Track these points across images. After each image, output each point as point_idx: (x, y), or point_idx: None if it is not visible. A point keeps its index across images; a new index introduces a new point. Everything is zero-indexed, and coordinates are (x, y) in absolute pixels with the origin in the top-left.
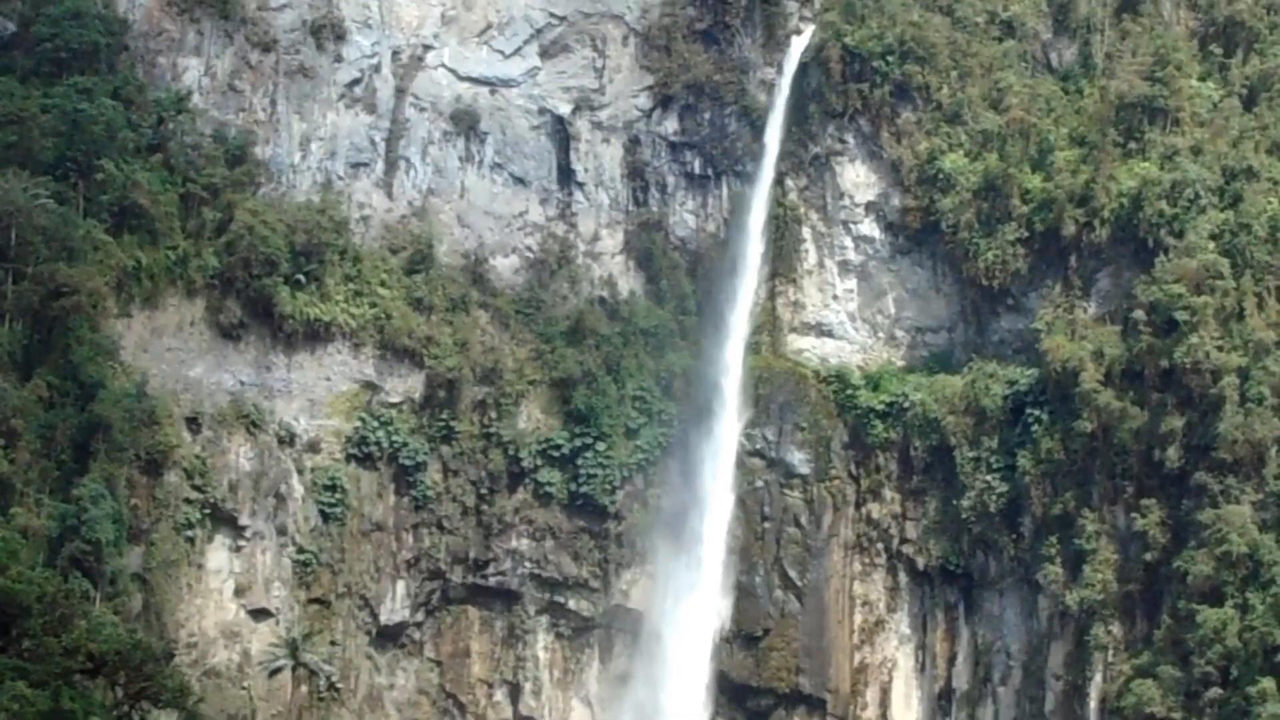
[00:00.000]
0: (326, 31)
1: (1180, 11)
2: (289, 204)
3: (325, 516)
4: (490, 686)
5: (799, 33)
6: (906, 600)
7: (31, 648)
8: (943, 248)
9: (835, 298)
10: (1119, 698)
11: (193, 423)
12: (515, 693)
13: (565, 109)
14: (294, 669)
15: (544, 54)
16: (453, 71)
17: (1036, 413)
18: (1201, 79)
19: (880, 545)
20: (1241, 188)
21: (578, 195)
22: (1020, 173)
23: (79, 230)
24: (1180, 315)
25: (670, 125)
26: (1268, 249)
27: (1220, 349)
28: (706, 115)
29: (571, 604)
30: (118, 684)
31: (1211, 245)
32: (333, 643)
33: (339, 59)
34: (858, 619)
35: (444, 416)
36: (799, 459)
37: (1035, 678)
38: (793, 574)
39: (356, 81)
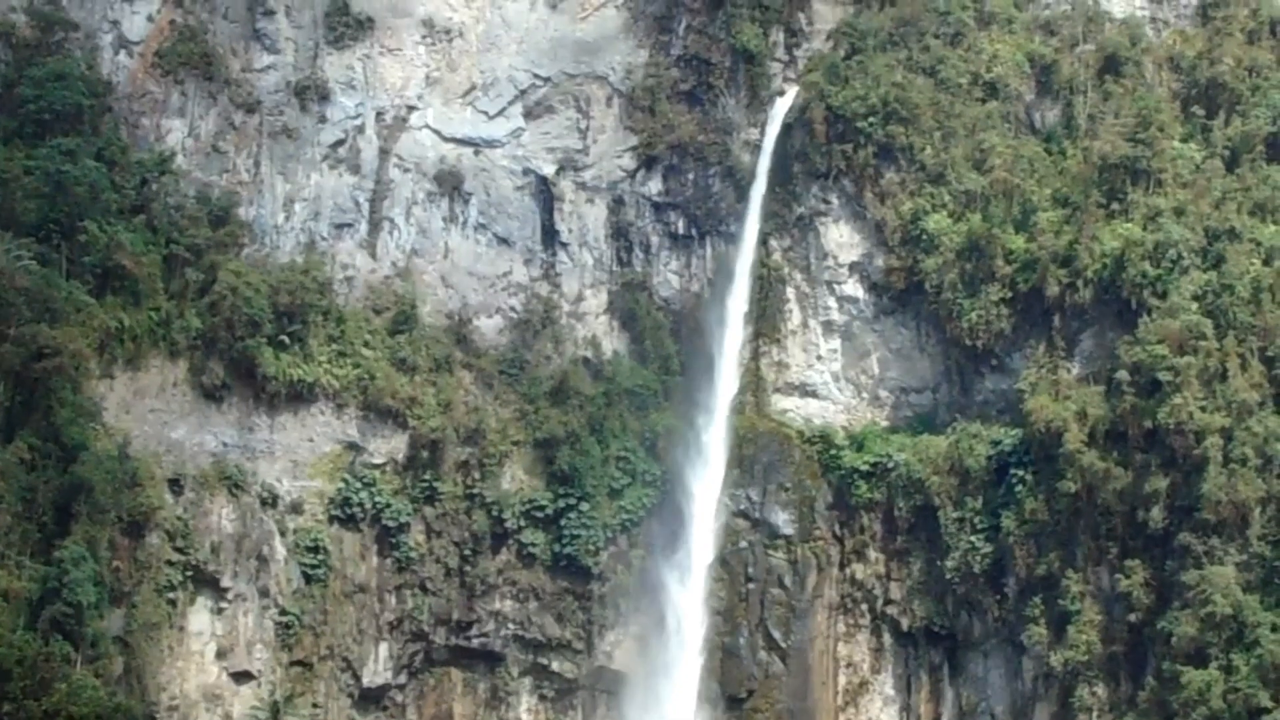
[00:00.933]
0: (310, 93)
1: (1162, 73)
2: (272, 265)
3: (308, 578)
4: None
5: (782, 94)
6: (891, 661)
7: (12, 711)
8: (927, 308)
9: (819, 358)
10: None
11: (175, 484)
12: None
13: (549, 169)
14: None
15: (528, 115)
16: (437, 132)
17: (1020, 473)
18: (1184, 140)
19: (864, 606)
20: (1224, 249)
21: (562, 255)
22: (1004, 233)
23: (62, 292)
24: (1164, 376)
25: (654, 186)
26: (1250, 310)
27: (1204, 410)
28: (690, 176)
29: (555, 665)
30: None
31: (1194, 306)
32: (315, 705)
33: (323, 120)
34: (842, 680)
35: (427, 477)
36: (783, 519)
37: None
38: (777, 635)
39: (340, 142)
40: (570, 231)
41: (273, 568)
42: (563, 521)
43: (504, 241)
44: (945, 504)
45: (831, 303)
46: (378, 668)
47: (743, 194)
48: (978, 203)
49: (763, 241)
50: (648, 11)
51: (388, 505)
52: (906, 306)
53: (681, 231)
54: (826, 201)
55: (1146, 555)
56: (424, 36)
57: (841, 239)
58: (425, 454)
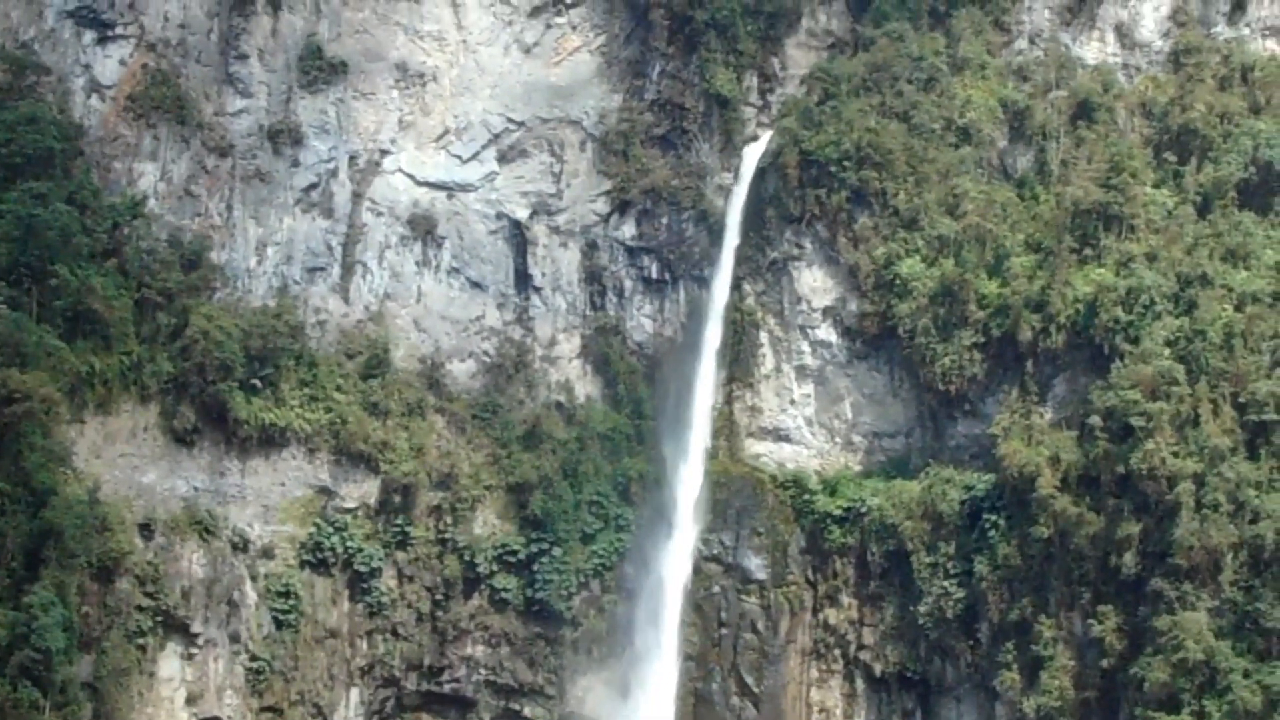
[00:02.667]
0: (284, 137)
1: (1135, 119)
2: (244, 309)
3: (279, 623)
4: None
5: (756, 139)
6: (864, 707)
7: None
8: (900, 353)
9: (792, 402)
10: None
11: (145, 529)
12: None
13: (523, 214)
14: None
15: (502, 159)
16: (410, 176)
17: (993, 518)
18: (1156, 186)
19: (837, 651)
20: (1196, 294)
21: (535, 300)
22: (977, 278)
23: (32, 336)
24: (1136, 421)
25: (628, 230)
26: (1222, 355)
27: (1176, 455)
28: (664, 220)
29: (527, 711)
30: None
31: (1167, 351)
32: None
33: (296, 164)
34: None
35: (399, 522)
36: (756, 564)
37: None
38: (749, 680)
39: (313, 186)
40: (543, 275)
41: (243, 613)
42: (535, 566)
43: (477, 285)
44: (918, 549)
45: (805, 347)
46: (349, 713)
47: (716, 238)
48: (951, 248)
49: (736, 286)
50: (621, 56)
51: (359, 550)
52: (880, 351)
53: (655, 275)
54: (800, 246)
55: (1119, 601)
56: (397, 81)
57: (815, 283)
58: (397, 498)
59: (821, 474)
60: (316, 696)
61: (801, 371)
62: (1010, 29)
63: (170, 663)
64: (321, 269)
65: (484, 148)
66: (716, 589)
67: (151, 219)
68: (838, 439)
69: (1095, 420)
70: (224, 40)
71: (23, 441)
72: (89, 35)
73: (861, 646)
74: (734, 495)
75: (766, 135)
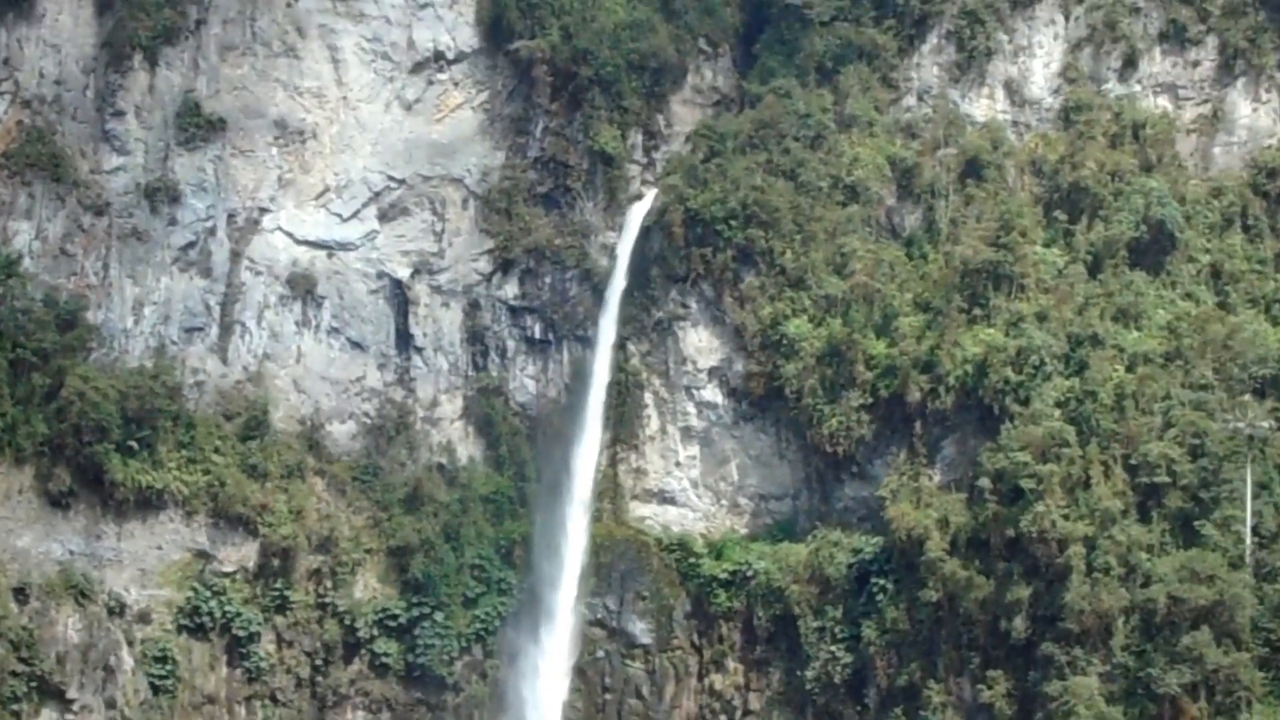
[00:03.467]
0: (161, 194)
1: (1025, 178)
2: (121, 369)
3: (155, 689)
4: None
5: (640, 197)
6: None
7: None
8: (787, 414)
9: (678, 464)
10: None
11: (20, 593)
12: None
13: (404, 273)
14: None
15: (382, 217)
16: (289, 235)
17: (882, 582)
18: (1046, 245)
19: (723, 717)
20: (1087, 354)
21: (416, 360)
22: (864, 338)
23: None
24: (1026, 483)
25: (510, 289)
26: (1113, 417)
27: (1066, 518)
28: (547, 279)
29: None
30: None
31: (1057, 413)
32: None
33: (173, 222)
34: None
35: (278, 586)
36: (640, 629)
37: None
38: None
39: (191, 245)
40: (425, 335)
41: (120, 678)
42: (416, 631)
43: (358, 346)
44: (805, 613)
45: (690, 408)
46: None
47: (600, 298)
48: (838, 307)
49: (620, 346)
50: (504, 113)
51: (238, 614)
52: (766, 412)
53: (538, 336)
54: (685, 305)
55: (1009, 665)
56: (276, 138)
57: (700, 343)
58: (276, 562)
59: (707, 537)
60: None
61: (687, 433)
62: (899, 86)
63: None
64: (199, 329)
65: (364, 206)
66: (601, 654)
67: (26, 278)
68: (724, 501)
69: (985, 482)
70: (100, 97)
71: None
72: None
73: (748, 712)
74: (618, 558)
75: (651, 193)
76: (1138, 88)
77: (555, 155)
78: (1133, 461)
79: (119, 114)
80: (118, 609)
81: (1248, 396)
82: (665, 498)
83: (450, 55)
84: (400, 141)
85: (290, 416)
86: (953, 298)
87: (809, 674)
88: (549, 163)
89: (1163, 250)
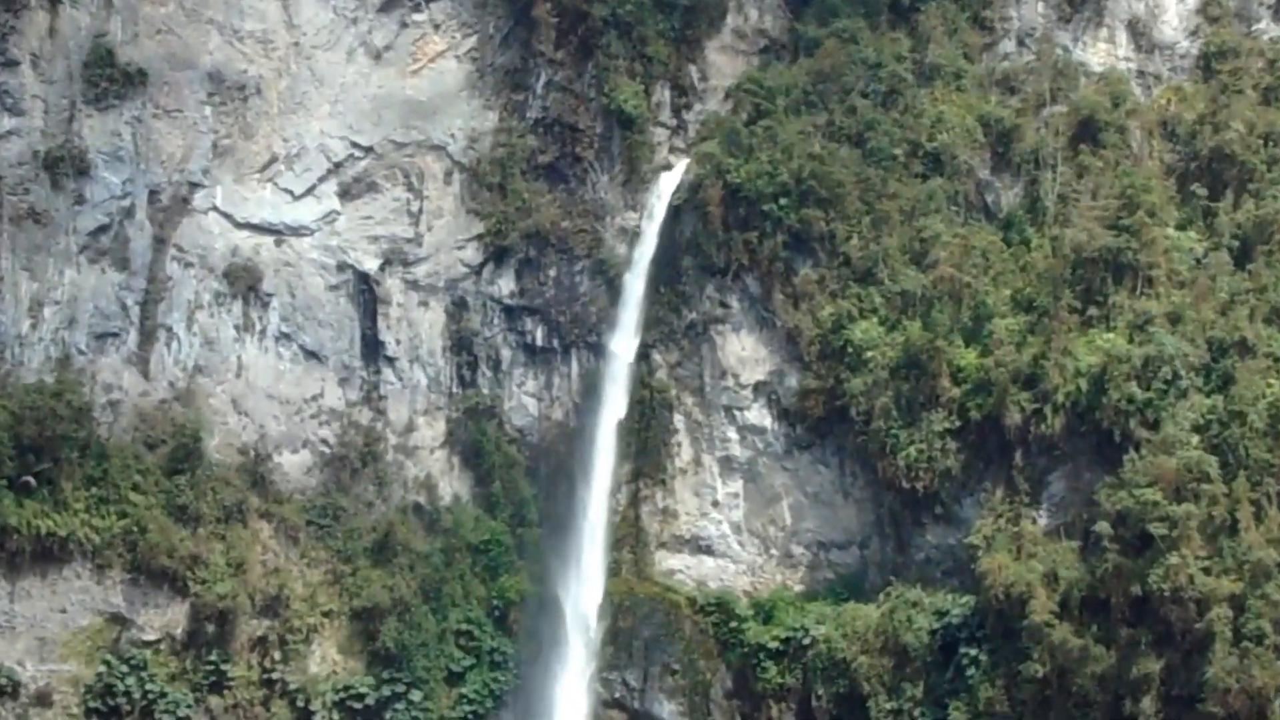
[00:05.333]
0: (65, 165)
1: (1154, 142)
2: (15, 386)
3: None
4: None
5: (669, 168)
6: None
7: None
8: (852, 441)
9: (715, 504)
10: None
11: None
12: None
13: (372, 264)
14: None
15: (344, 194)
16: (227, 216)
17: (973, 652)
18: (1181, 227)
19: None
20: (1233, 365)
21: (387, 374)
22: (950, 346)
23: None
24: (1156, 529)
25: (505, 285)
26: (1267, 444)
27: (1207, 572)
28: (552, 272)
29: None
30: None
31: (1195, 439)
32: None
33: (81, 201)
34: None
35: (213, 658)
36: (669, 710)
37: None
38: None
39: (103, 229)
40: (398, 343)
41: None
42: (388, 714)
43: (314, 356)
44: (877, 691)
45: (731, 434)
46: None
47: (618, 296)
48: (917, 307)
49: (643, 356)
50: (497, 64)
51: (162, 694)
52: (827, 439)
53: (540, 343)
54: (725, 305)
55: None
56: (211, 94)
57: (744, 353)
58: (211, 628)
59: (753, 595)
60: None
61: (727, 465)
62: (994, 27)
63: None
64: (114, 335)
65: (322, 180)
66: None
67: None
68: (773, 551)
69: (1103, 527)
70: None
71: None
72: None
73: None
74: (641, 623)
75: (682, 164)
76: None
77: (561, 116)
78: None
79: (11, 64)
80: (9, 689)
81: None
82: (700, 546)
83: None
84: (366, 99)
85: (229, 445)
86: (1062, 294)
87: None
88: (553, 126)
89: None
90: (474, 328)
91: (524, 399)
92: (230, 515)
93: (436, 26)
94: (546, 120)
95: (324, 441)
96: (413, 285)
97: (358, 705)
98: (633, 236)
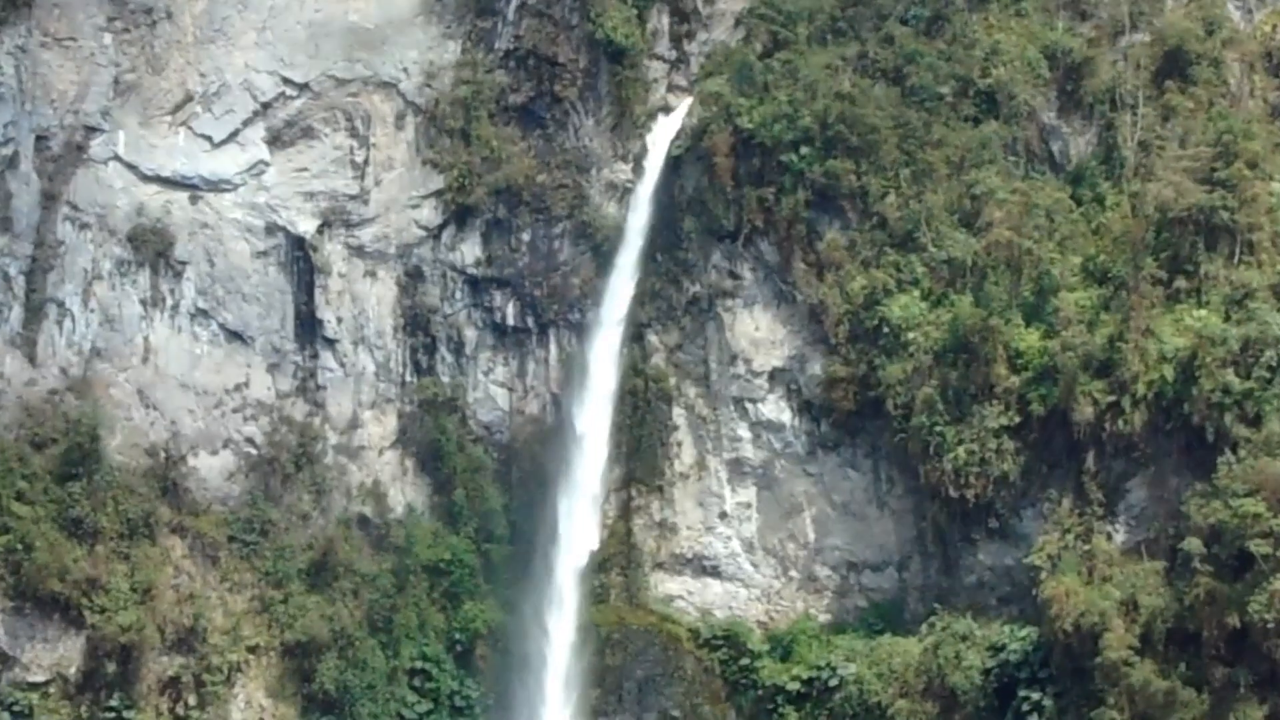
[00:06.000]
0: None
1: (1255, 78)
2: None
3: None
4: None
5: (667, 110)
6: None
7: None
8: (889, 441)
9: (723, 516)
10: None
11: None
12: None
13: (307, 226)
14: None
15: (274, 141)
16: (131, 168)
17: (1035, 696)
18: None
19: None
20: None
21: (327, 359)
22: (1007, 325)
23: None
24: (1258, 547)
25: (469, 252)
26: None
27: None
28: (525, 237)
29: None
30: None
31: None
32: None
33: None
34: None
35: (114, 704)
36: None
37: None
38: None
39: None
40: (340, 322)
41: None
42: None
43: (237, 337)
44: None
45: (742, 431)
46: None
47: (606, 264)
48: (967, 278)
49: (637, 337)
50: None
51: None
52: (858, 437)
53: (512, 322)
54: (735, 276)
55: None
56: (111, 20)
57: (758, 333)
58: (112, 667)
59: (769, 627)
60: None
61: (737, 469)
62: None
63: None
64: None
65: (247, 124)
66: None
67: None
68: (793, 573)
69: (1193, 544)
70: None
71: None
72: None
73: None
74: (634, 659)
75: (684, 105)
76: None
77: (537, 48)
78: None
79: None
80: None
81: None
82: (705, 567)
83: None
84: (301, 26)
85: (134, 445)
86: (1143, 263)
87: None
88: (527, 59)
89: None
90: (431, 303)
91: (492, 389)
92: (135, 530)
93: None
94: (519, 52)
95: (249, 441)
96: (357, 252)
97: None
98: (623, 193)
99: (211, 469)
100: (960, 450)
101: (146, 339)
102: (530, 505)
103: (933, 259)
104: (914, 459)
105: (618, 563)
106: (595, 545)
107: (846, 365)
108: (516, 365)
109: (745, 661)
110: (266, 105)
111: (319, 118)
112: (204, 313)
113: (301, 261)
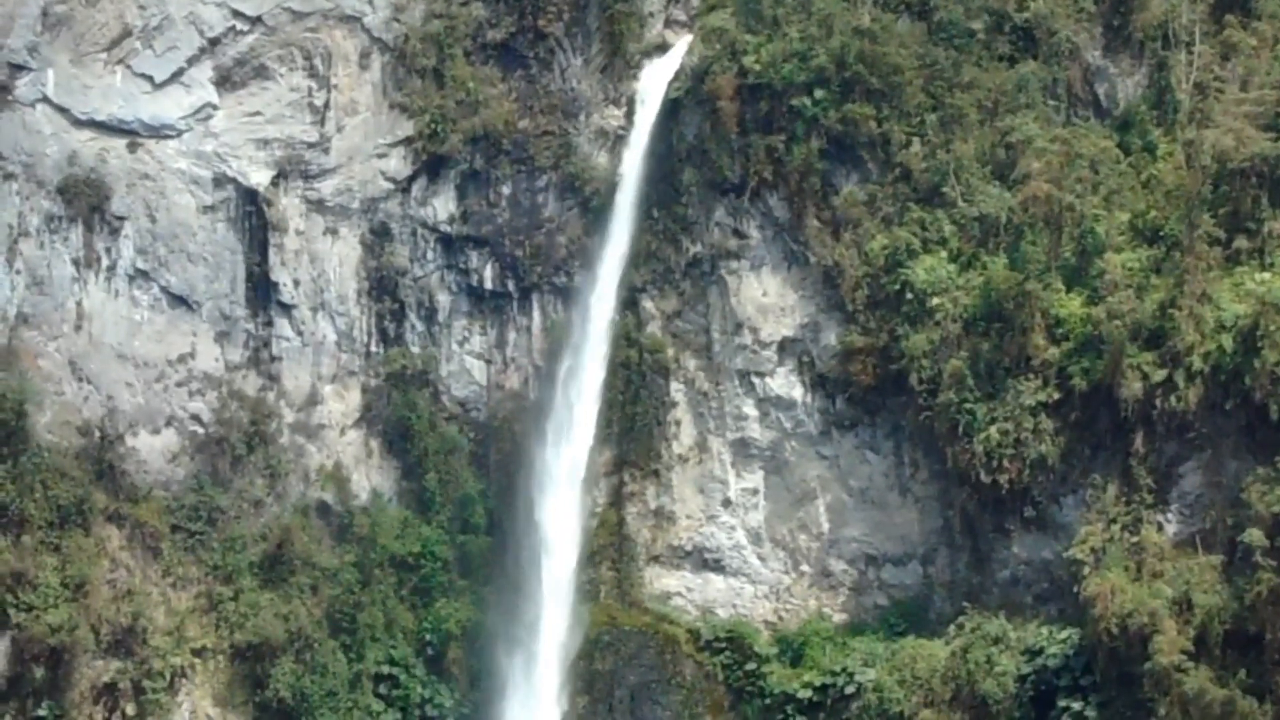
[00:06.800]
0: None
1: None
2: None
3: None
4: None
5: (665, 48)
6: None
7: None
8: (913, 419)
9: (726, 504)
10: None
11: None
12: None
13: (261, 177)
14: None
15: (223, 82)
16: (62, 111)
17: (1076, 705)
18: None
19: None
20: None
21: (282, 326)
22: (1046, 290)
23: None
24: None
25: (442, 207)
26: None
27: None
28: (505, 190)
29: None
30: None
31: None
32: None
33: None
34: None
35: (42, 712)
36: None
37: None
38: None
39: None
40: (297, 285)
41: None
42: None
43: (181, 302)
44: None
45: (748, 409)
46: None
47: (597, 221)
48: (1001, 237)
49: (630, 303)
50: None
51: None
52: (877, 416)
53: (490, 286)
54: (740, 234)
55: None
56: None
57: (766, 299)
58: (40, 672)
59: (778, 627)
60: None
61: (743, 450)
62: None
63: None
64: None
65: (192, 62)
66: None
67: None
68: (805, 567)
69: (1254, 536)
70: None
71: None
72: None
73: None
74: (626, 664)
75: (683, 41)
76: None
77: None
78: None
79: None
80: None
81: None
82: (706, 561)
83: None
84: None
85: (65, 423)
86: (1200, 220)
87: None
88: None
89: None
90: (400, 264)
91: (468, 361)
92: (67, 518)
93: None
94: None
95: (195, 418)
96: (316, 207)
97: None
98: (615, 141)
99: (153, 450)
100: (992, 430)
101: (79, 304)
102: (510, 491)
103: (962, 216)
104: (940, 440)
105: (608, 556)
106: (583, 536)
107: (865, 335)
108: (495, 334)
109: (751, 666)
110: (214, 41)
111: (273, 55)
112: (144, 274)
113: (254, 217)
